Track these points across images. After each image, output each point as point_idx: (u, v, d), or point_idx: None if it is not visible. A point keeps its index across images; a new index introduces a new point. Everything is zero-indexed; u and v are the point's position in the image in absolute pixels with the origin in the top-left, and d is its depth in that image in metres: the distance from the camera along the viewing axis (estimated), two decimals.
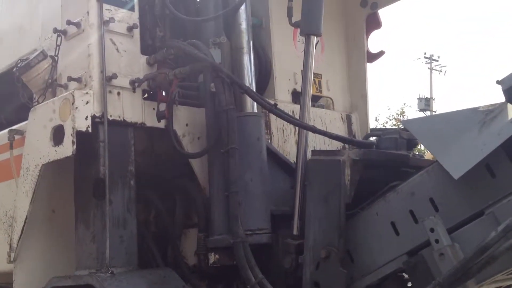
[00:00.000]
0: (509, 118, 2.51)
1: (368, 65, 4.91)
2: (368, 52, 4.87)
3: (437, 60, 38.98)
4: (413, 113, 31.53)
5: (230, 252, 3.37)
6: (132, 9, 3.57)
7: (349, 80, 4.86)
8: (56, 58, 3.61)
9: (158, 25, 3.76)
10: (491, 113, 2.61)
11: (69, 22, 3.48)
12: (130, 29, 3.52)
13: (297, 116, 3.64)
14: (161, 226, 3.98)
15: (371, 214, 3.01)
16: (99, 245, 3.27)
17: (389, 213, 2.93)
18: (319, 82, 4.61)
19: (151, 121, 3.54)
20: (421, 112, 33.67)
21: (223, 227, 3.43)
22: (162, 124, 3.56)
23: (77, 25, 3.46)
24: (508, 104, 2.58)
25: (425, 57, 38.84)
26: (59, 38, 3.57)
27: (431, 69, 38.56)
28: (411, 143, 3.56)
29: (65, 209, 3.63)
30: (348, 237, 3.03)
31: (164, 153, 3.88)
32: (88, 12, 3.40)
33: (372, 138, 4.28)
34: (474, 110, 2.68)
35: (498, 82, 2.61)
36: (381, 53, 4.92)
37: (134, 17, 3.57)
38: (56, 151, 3.29)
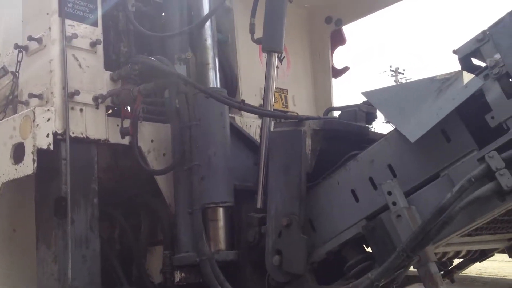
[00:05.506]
0: (464, 83, 2.58)
1: (334, 80, 4.99)
2: (333, 67, 4.95)
3: (402, 73, 39.81)
4: (379, 124, 31.99)
5: (196, 270, 3.35)
6: (95, 24, 3.53)
7: (315, 95, 4.92)
8: (17, 74, 3.55)
9: (122, 41, 3.73)
10: (447, 81, 2.67)
11: (30, 38, 3.42)
12: (93, 44, 3.48)
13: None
14: (125, 244, 3.92)
15: (332, 183, 3.03)
16: (61, 265, 3.19)
17: (349, 181, 2.96)
18: (285, 97, 4.65)
19: (115, 138, 3.49)
20: (387, 124, 34.18)
21: (188, 244, 3.40)
22: (126, 141, 3.52)
23: (39, 40, 3.40)
24: (464, 72, 2.65)
25: (391, 70, 39.61)
26: (20, 54, 3.51)
27: (396, 81, 39.29)
28: (370, 116, 3.63)
29: (26, 228, 3.55)
30: (310, 206, 3.05)
31: (129, 169, 3.83)
32: (50, 28, 3.35)
33: None
34: (432, 79, 2.73)
35: (454, 51, 2.70)
36: (345, 69, 5.02)
37: (98, 33, 3.53)
38: (16, 169, 3.21)
